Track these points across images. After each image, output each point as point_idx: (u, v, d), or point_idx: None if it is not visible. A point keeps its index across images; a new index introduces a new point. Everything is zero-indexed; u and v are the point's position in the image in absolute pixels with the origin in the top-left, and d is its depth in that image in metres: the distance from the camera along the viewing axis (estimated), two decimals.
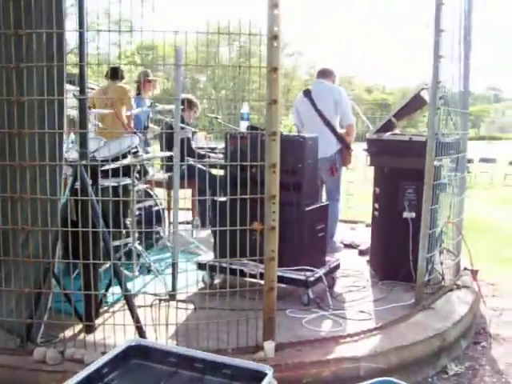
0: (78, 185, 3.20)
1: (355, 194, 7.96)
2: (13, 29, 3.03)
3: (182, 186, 5.81)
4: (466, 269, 4.88)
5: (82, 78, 3.15)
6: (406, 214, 4.51)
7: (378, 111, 46.38)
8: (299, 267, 4.04)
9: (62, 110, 3.11)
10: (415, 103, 4.74)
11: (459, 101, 4.80)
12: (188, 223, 6.53)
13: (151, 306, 3.22)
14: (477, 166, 17.43)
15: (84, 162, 3.18)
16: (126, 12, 3.19)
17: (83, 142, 3.23)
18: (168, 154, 4.41)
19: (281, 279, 3.99)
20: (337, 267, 4.49)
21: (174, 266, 3.71)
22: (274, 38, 3.05)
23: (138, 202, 4.89)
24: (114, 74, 6.38)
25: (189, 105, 6.59)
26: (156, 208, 5.17)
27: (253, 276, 3.84)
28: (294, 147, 4.10)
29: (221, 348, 3.16)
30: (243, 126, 4.68)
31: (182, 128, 5.46)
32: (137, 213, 4.80)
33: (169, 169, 5.43)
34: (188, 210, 6.76)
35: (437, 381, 3.45)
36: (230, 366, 2.12)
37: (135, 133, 6.43)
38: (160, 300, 3.25)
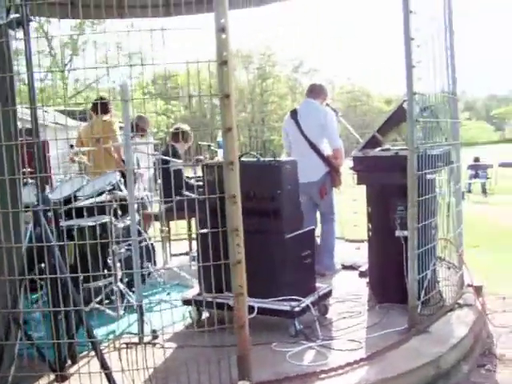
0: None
1: (361, 211, 7.73)
2: None
3: (182, 217, 5.75)
4: (468, 285, 4.62)
5: (34, 121, 3.06)
6: (398, 233, 4.29)
7: None
8: (284, 297, 3.86)
9: (11, 154, 3.01)
10: (399, 116, 4.55)
11: (449, 109, 4.62)
12: (186, 254, 6.39)
13: (118, 350, 3.08)
14: (497, 171, 17.18)
15: (41, 207, 3.09)
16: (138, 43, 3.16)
17: (41, 186, 3.13)
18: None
19: (265, 311, 3.85)
20: (328, 294, 4.28)
21: (139, 308, 3.56)
22: (223, 63, 2.92)
23: (123, 239, 4.77)
24: (99, 107, 6.10)
25: (182, 136, 6.52)
26: (144, 244, 5.04)
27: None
28: (270, 173, 3.95)
29: None
30: (221, 155, 4.55)
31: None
32: (123, 250, 4.69)
33: (165, 202, 5.35)
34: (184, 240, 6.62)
35: None
36: None
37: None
38: (127, 344, 3.10)
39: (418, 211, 3.84)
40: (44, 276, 3.02)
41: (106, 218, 4.36)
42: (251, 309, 3.63)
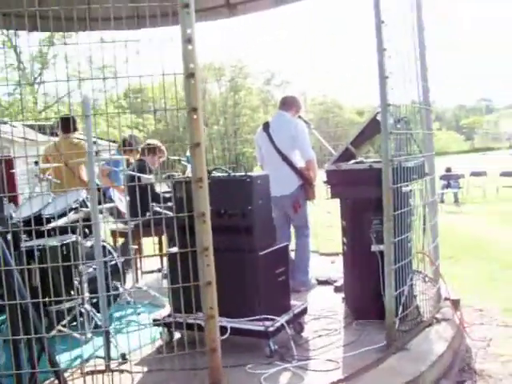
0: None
1: (335, 225, 7.64)
2: None
3: (149, 234, 5.57)
4: (446, 299, 4.54)
5: None
6: (373, 247, 4.20)
7: None
8: (258, 317, 3.72)
9: None
10: (372, 128, 4.46)
11: (422, 121, 4.56)
12: (158, 271, 6.21)
13: (84, 377, 2.91)
14: (468, 181, 17.39)
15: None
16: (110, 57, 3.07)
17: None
18: (110, 205, 4.12)
19: (238, 331, 3.71)
20: (303, 312, 4.15)
21: (105, 334, 3.37)
22: (190, 75, 2.80)
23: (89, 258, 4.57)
24: (66, 125, 5.84)
25: (152, 150, 6.37)
26: (112, 262, 4.85)
27: None
28: (241, 188, 3.81)
29: None
30: (190, 170, 4.41)
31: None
32: (91, 270, 4.52)
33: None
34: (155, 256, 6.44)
35: None
36: None
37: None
38: (93, 371, 2.93)
39: (393, 225, 3.75)
40: (3, 302, 2.83)
41: (72, 237, 4.18)
42: (224, 329, 3.50)
